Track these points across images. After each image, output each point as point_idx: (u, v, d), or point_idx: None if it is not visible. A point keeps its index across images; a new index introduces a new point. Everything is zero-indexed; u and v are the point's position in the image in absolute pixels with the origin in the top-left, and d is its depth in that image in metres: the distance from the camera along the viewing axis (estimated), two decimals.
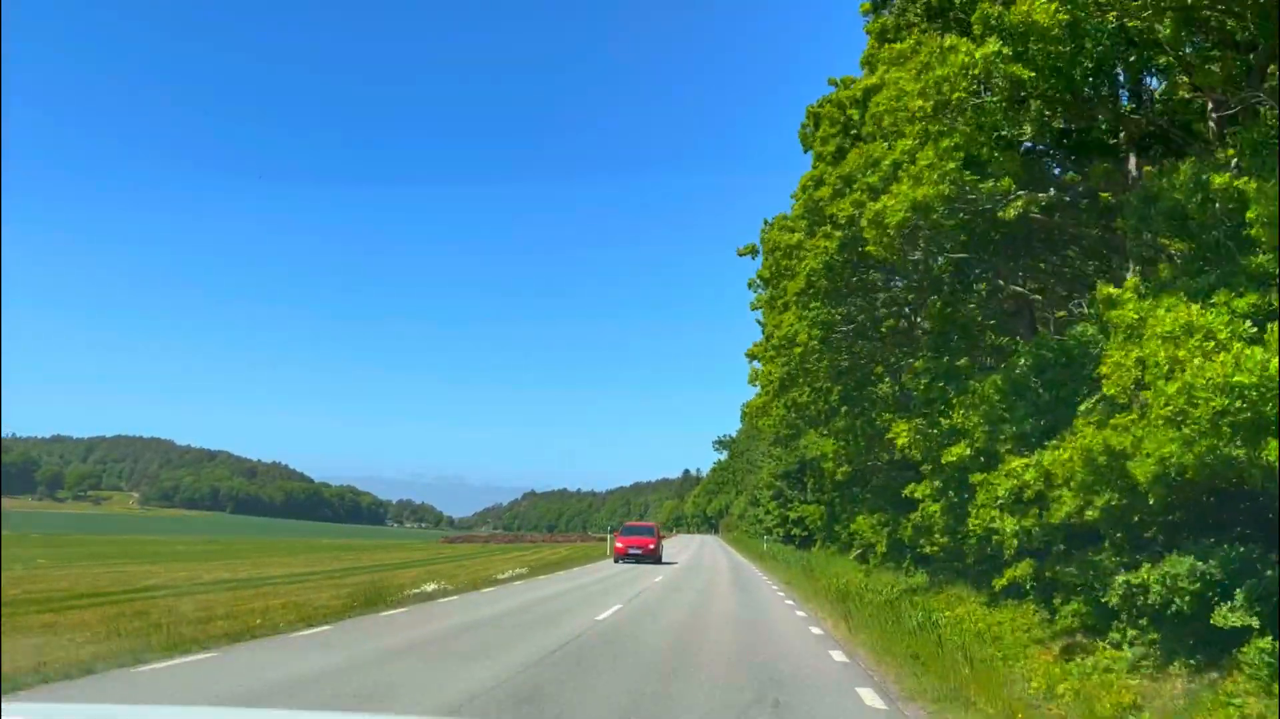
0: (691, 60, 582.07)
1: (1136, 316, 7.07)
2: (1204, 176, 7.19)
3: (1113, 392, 7.27)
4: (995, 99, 9.20)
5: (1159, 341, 6.49)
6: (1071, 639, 9.86)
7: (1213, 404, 5.92)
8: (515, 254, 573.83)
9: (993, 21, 8.57)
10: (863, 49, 14.94)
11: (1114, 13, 8.21)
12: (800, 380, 23.45)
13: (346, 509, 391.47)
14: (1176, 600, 7.32)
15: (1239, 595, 6.91)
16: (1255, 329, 6.42)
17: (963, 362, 13.40)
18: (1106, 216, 11.39)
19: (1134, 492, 7.34)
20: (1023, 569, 10.91)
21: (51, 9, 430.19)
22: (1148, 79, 10.76)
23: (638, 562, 34.79)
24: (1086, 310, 10.86)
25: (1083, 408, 8.66)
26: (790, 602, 19.56)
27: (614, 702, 7.85)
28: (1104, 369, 7.35)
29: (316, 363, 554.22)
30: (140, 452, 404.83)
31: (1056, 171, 13.24)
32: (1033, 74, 8.60)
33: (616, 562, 35.43)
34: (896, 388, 23.01)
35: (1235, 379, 5.83)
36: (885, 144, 12.29)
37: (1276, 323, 6.17)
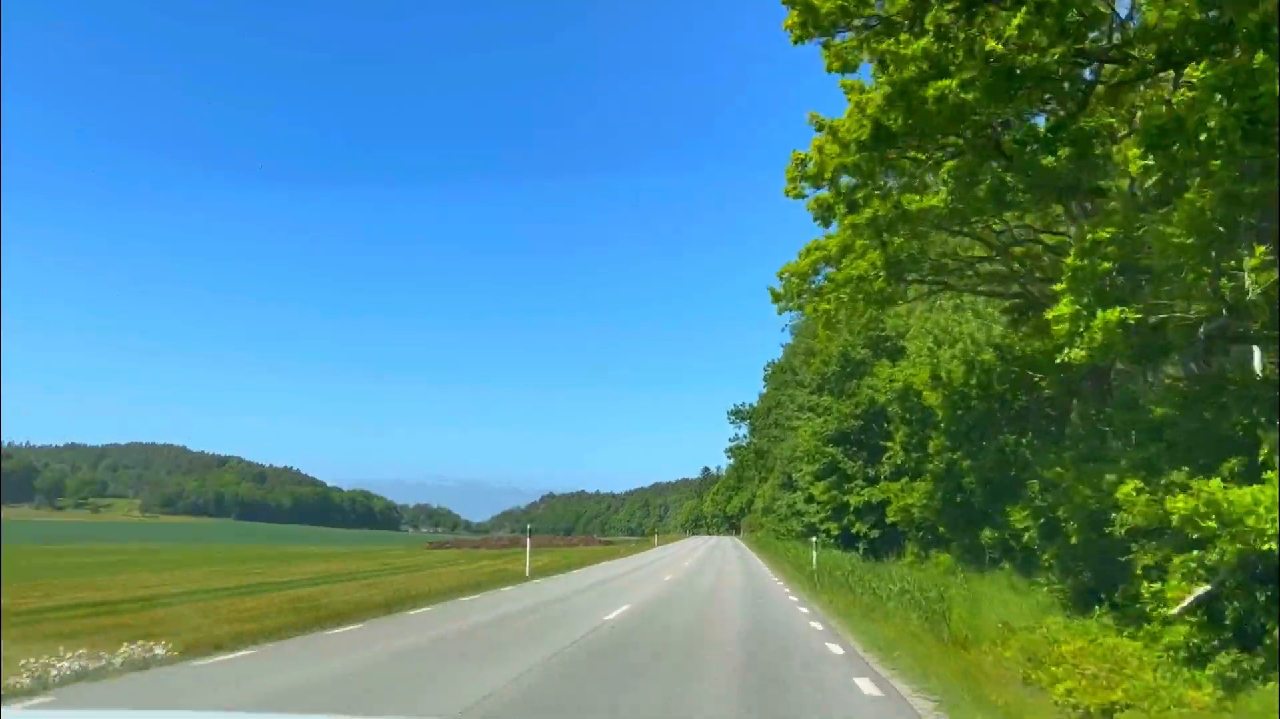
0: (721, 53, 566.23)
1: None
2: None
3: None
4: None
5: None
6: None
7: None
8: (545, 253, 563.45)
9: None
10: None
11: None
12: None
13: (359, 514, 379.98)
14: None
15: None
16: None
17: None
18: None
19: None
20: None
21: (53, 11, 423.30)
22: None
23: None
24: None
25: None
26: None
27: None
28: None
29: (336, 368, 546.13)
30: (151, 458, 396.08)
31: None
32: None
33: None
34: None
35: None
36: None
37: None
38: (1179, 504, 5.98)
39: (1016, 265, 13.47)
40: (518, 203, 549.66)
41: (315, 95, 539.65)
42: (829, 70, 9.35)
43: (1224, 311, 7.17)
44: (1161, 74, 8.33)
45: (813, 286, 15.14)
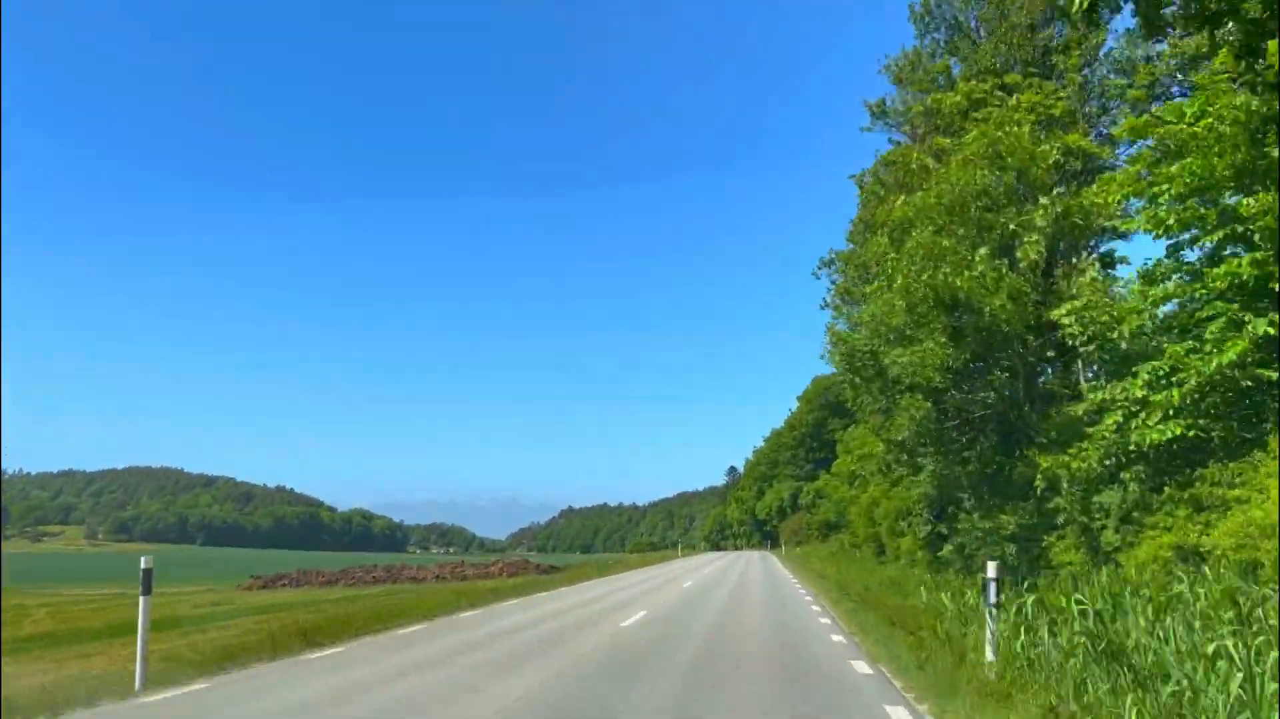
0: (723, 59, 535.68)
1: None
2: None
3: None
4: None
5: None
6: None
7: None
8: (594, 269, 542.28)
9: None
10: None
11: None
12: None
13: (355, 535, 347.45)
14: None
15: None
16: None
17: None
18: None
19: None
20: None
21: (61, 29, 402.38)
22: None
23: None
24: None
25: None
26: None
27: None
28: None
29: (359, 389, 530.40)
30: (142, 482, 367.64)
31: None
32: None
33: None
34: None
35: None
36: None
37: None
38: None
39: None
40: (532, 220, 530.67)
41: (334, 106, 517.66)
42: None
43: None
44: None
45: None
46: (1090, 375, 16.83)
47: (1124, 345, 12.59)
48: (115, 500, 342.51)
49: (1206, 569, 9.02)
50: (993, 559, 10.05)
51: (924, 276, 15.67)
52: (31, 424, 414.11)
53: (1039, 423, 16.53)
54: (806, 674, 9.85)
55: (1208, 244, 11.38)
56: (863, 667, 10.40)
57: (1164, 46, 15.82)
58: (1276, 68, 9.39)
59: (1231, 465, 10.32)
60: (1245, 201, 10.52)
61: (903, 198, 18.62)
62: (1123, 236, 18.69)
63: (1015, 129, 16.20)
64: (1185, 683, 5.73)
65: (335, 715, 7.47)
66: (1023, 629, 8.74)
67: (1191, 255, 12.20)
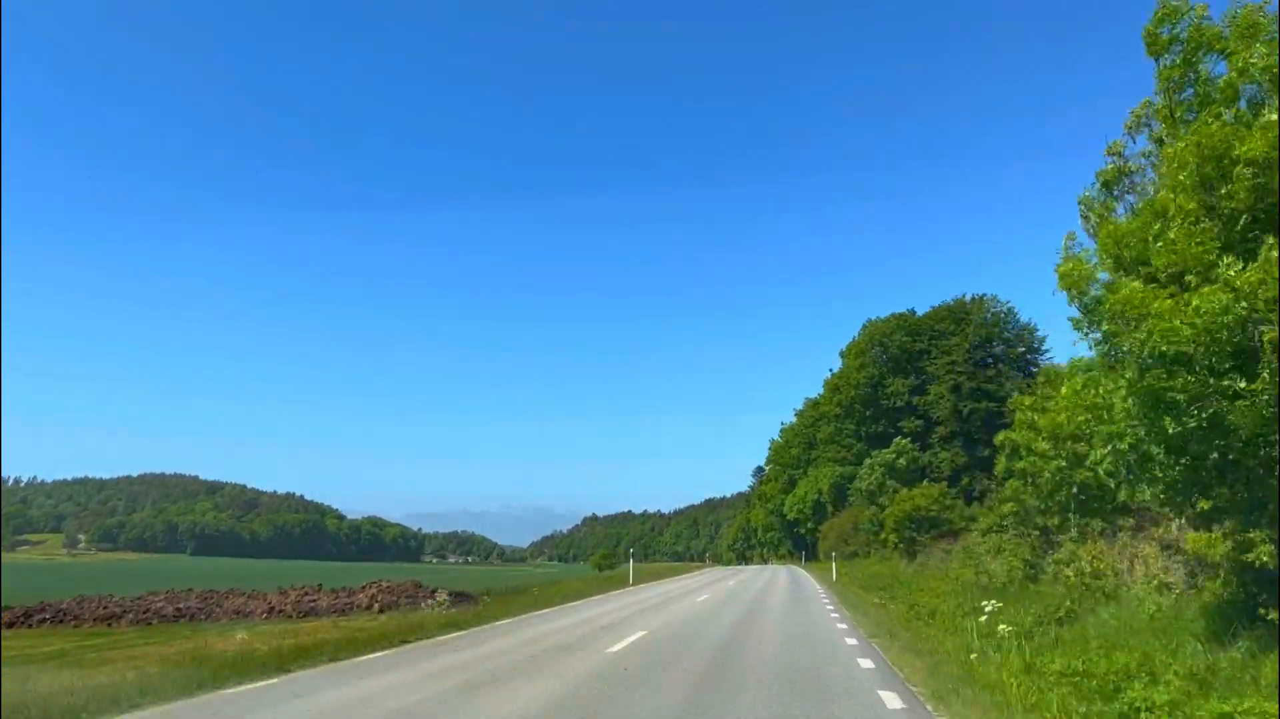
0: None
1: None
2: None
3: None
4: None
5: None
6: None
7: None
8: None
9: None
10: None
11: None
12: None
13: (364, 544, 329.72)
14: None
15: None
16: None
17: None
18: None
19: None
20: None
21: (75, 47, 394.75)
22: None
23: None
24: None
25: None
26: None
27: None
28: None
29: (406, 402, 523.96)
30: (150, 489, 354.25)
31: None
32: None
33: None
34: None
35: None
36: None
37: None
38: None
39: None
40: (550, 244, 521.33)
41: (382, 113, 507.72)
42: None
43: None
44: None
45: None
46: None
47: None
48: (109, 509, 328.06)
49: None
50: None
51: None
52: (50, 432, 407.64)
53: None
54: None
55: None
56: None
57: None
58: None
59: None
60: None
61: None
62: None
63: None
64: None
65: None
66: None
67: None
